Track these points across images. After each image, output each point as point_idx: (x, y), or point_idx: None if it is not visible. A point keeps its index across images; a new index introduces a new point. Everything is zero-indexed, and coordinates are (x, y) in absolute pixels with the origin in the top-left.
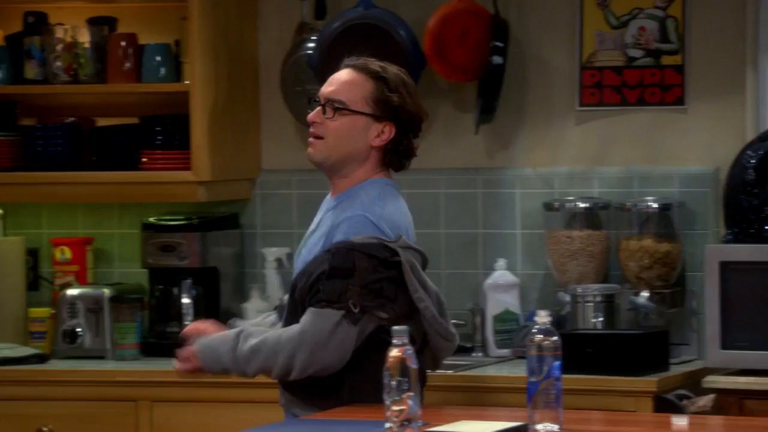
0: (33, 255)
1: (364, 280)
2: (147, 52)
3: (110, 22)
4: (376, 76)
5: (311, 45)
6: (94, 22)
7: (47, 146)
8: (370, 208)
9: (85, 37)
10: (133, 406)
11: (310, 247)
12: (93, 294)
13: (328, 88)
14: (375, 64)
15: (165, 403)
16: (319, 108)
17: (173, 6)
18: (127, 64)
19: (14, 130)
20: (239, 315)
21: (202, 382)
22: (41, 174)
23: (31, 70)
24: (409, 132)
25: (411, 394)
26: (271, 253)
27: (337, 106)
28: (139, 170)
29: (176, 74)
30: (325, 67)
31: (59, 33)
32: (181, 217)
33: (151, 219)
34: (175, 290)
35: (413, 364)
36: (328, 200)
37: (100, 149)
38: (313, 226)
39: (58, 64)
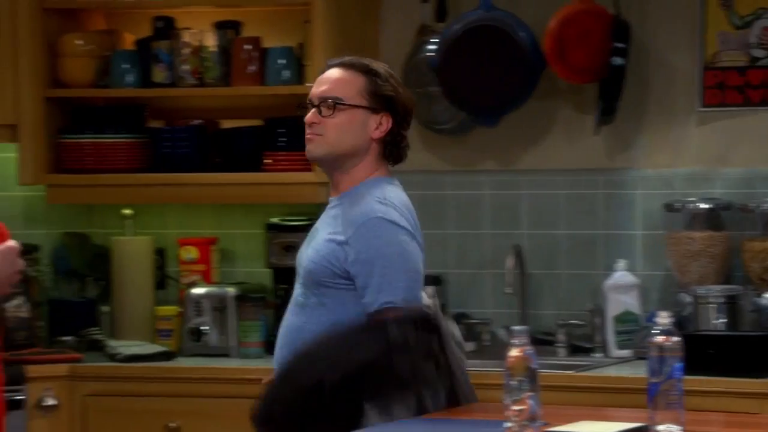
0: (160, 254)
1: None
2: (271, 55)
3: (235, 26)
4: (366, 70)
5: (432, 47)
6: (220, 27)
7: (174, 148)
8: (381, 208)
9: (211, 41)
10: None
11: (317, 247)
12: (218, 293)
13: (320, 88)
14: (361, 60)
15: None
16: (314, 109)
17: (297, 9)
18: (252, 67)
19: (143, 133)
20: None
21: None
22: (168, 175)
23: (159, 74)
24: (404, 122)
25: (531, 393)
26: None
27: (335, 103)
28: (263, 171)
29: (299, 77)
30: (446, 68)
31: (186, 37)
32: (304, 218)
33: (275, 219)
34: None
35: (534, 364)
36: (331, 199)
37: (225, 151)
38: (317, 224)
39: (185, 67)
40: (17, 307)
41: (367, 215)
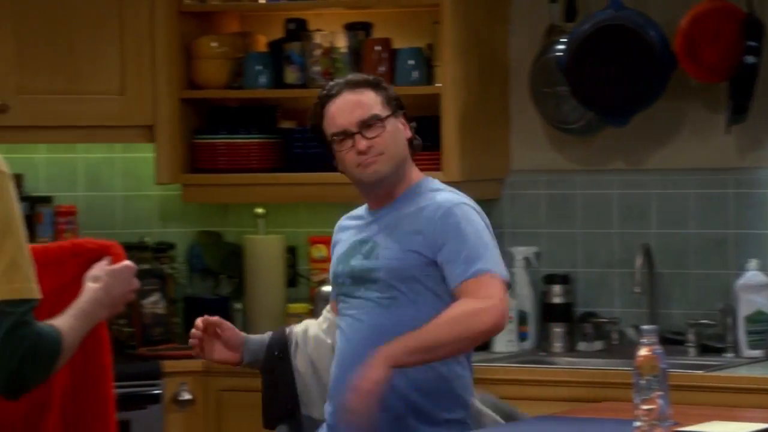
0: (292, 253)
1: None
2: (400, 56)
3: (366, 27)
4: (370, 84)
5: (561, 47)
6: (350, 28)
7: (305, 148)
8: (459, 197)
9: (342, 43)
10: None
11: (397, 245)
12: None
13: (353, 115)
14: (357, 77)
15: None
16: (357, 136)
17: (426, 11)
18: (381, 68)
19: (275, 133)
20: None
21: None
22: (300, 175)
23: (291, 75)
24: (406, 116)
25: (661, 393)
26: (520, 252)
27: (376, 119)
28: None
29: (428, 77)
30: (575, 68)
31: (318, 39)
32: None
33: None
34: None
35: (663, 364)
36: (366, 213)
37: None
38: (363, 236)
39: (317, 68)
40: (154, 304)
41: (450, 202)
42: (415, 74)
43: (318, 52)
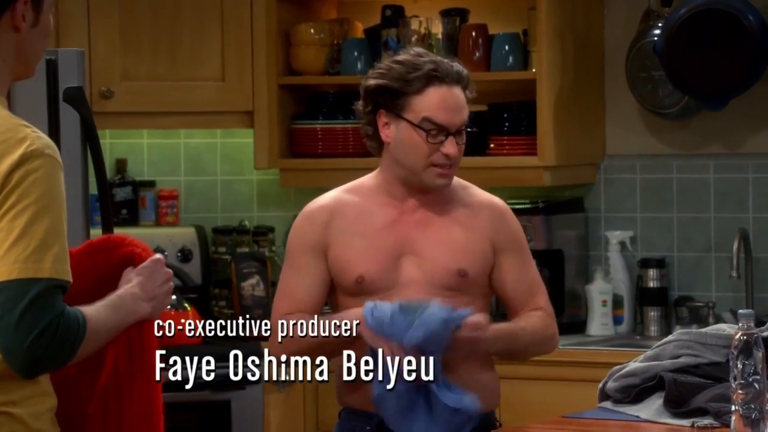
0: None
1: None
2: (496, 42)
3: (462, 13)
4: (466, 82)
5: (657, 32)
6: (446, 14)
7: None
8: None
9: (438, 29)
10: None
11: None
12: None
13: (458, 116)
14: (460, 68)
15: (512, 380)
16: (451, 138)
17: None
18: (477, 54)
19: None
20: (583, 296)
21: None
22: None
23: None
24: None
25: (757, 377)
26: (615, 236)
27: (466, 129)
28: (487, 156)
29: (524, 63)
30: (671, 52)
31: (414, 25)
32: (527, 201)
33: None
34: None
35: (759, 348)
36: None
37: None
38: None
39: None
40: (253, 286)
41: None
42: (511, 60)
43: (414, 38)
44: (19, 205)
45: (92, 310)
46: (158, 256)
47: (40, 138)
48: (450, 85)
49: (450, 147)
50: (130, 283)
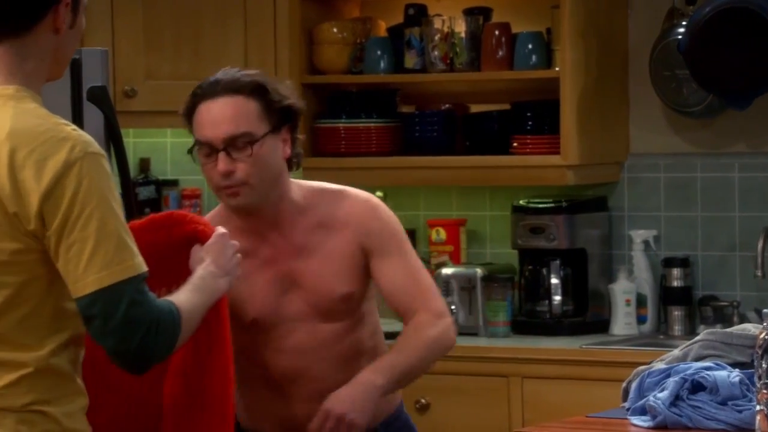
0: (411, 235)
1: None
2: (519, 41)
3: (485, 12)
4: (252, 89)
5: (681, 30)
6: (469, 13)
7: (424, 132)
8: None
9: (461, 27)
10: (504, 382)
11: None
12: (466, 273)
13: (220, 128)
14: (238, 76)
15: (535, 380)
16: (221, 154)
17: None
18: (500, 52)
19: (394, 117)
20: (606, 295)
21: (575, 360)
22: (419, 158)
23: (410, 60)
24: (296, 125)
25: None
26: (639, 235)
27: (245, 141)
28: (510, 155)
29: (547, 61)
30: (695, 51)
31: (437, 24)
32: (550, 200)
33: (521, 201)
34: (544, 271)
35: None
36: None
37: (473, 134)
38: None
39: (436, 53)
40: None
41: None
42: (534, 58)
43: (437, 36)
44: (84, 213)
45: (182, 298)
46: (223, 230)
47: (81, 135)
48: (214, 98)
49: (220, 163)
50: (205, 262)
